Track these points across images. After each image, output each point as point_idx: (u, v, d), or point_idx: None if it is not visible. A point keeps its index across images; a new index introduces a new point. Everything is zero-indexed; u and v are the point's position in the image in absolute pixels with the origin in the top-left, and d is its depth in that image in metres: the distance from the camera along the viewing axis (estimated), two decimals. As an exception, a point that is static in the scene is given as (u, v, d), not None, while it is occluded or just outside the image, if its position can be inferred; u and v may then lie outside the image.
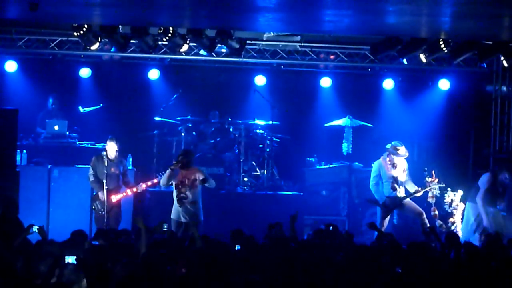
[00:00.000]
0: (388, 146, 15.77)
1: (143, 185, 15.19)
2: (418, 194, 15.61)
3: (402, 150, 15.72)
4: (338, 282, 8.81)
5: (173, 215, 14.65)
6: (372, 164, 16.57)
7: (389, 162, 15.64)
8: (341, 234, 12.25)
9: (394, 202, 15.64)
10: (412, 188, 15.67)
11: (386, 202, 15.63)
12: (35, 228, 11.01)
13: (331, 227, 12.15)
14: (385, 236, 11.81)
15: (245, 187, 17.90)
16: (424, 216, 15.53)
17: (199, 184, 14.58)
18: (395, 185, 15.60)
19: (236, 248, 10.53)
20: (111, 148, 15.11)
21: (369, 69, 19.28)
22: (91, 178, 15.14)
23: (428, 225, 15.01)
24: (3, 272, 8.44)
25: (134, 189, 15.20)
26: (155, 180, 15.22)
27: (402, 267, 9.58)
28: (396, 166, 15.64)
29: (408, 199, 15.70)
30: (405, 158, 15.82)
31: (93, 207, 15.23)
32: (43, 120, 17.96)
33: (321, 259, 9.62)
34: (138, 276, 8.33)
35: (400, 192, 15.62)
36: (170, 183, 14.71)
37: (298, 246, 10.96)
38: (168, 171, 14.69)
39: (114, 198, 15.03)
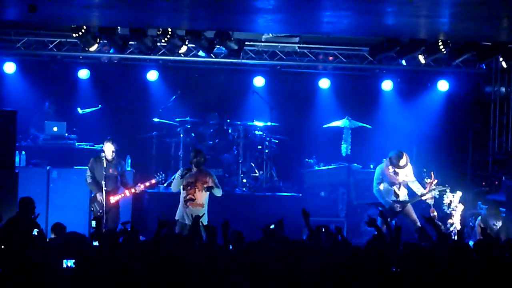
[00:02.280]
0: (391, 154, 15.59)
1: (142, 186, 15.19)
2: (423, 198, 15.53)
3: (402, 161, 15.50)
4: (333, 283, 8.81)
5: (177, 216, 14.57)
6: (371, 165, 16.52)
7: (391, 170, 15.54)
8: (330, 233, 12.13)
9: (401, 205, 15.57)
10: (418, 190, 15.59)
11: (393, 206, 15.54)
12: (35, 231, 11.03)
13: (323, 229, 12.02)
14: (382, 238, 11.72)
15: (244, 188, 17.87)
16: (418, 223, 15.44)
17: (205, 190, 14.55)
18: (397, 191, 15.55)
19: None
20: (108, 149, 15.10)
21: (368, 70, 19.27)
22: (89, 180, 15.12)
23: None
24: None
25: (133, 190, 15.20)
26: (153, 181, 15.23)
27: (397, 267, 9.55)
28: (398, 173, 15.55)
29: (409, 206, 15.64)
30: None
31: (92, 209, 15.23)
32: (38, 122, 17.94)
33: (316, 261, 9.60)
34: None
35: (401, 195, 15.57)
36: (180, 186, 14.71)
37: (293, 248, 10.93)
38: (178, 178, 14.65)
39: (113, 199, 15.02)
